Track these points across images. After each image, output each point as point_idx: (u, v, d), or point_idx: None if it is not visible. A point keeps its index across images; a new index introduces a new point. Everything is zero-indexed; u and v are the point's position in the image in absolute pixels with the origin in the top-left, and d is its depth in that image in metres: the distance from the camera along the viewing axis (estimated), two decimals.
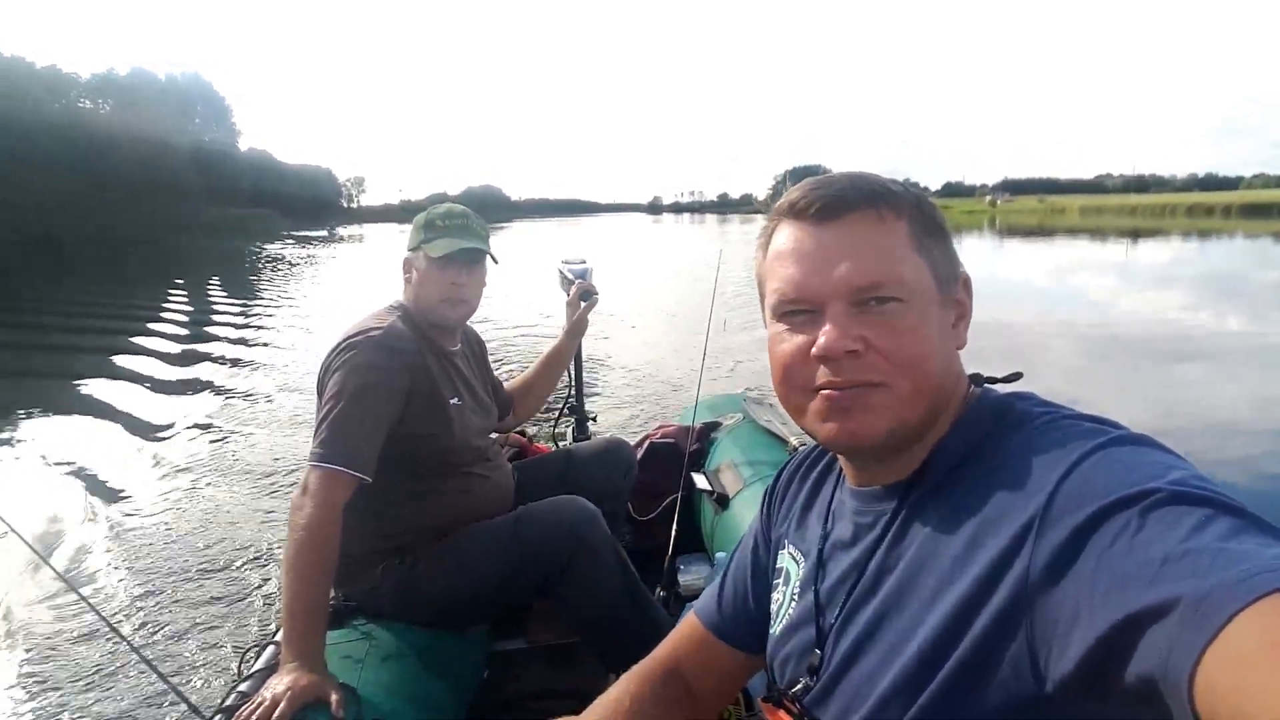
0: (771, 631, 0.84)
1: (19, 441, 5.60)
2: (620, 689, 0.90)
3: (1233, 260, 23.22)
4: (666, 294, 13.68)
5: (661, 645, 0.96)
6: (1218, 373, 7.51)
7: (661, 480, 2.46)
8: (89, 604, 1.59)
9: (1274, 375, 7.40)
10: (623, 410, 5.79)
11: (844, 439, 0.68)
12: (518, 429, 2.45)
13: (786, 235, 0.71)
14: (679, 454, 2.43)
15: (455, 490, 1.73)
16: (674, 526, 2.07)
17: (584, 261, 2.46)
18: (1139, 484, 0.51)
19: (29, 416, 6.32)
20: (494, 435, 2.05)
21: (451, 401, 1.72)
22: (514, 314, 10.46)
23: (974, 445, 0.66)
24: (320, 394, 1.59)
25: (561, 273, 2.45)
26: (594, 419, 2.90)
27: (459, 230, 1.74)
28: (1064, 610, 0.50)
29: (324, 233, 64.12)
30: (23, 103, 40.62)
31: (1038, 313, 11.22)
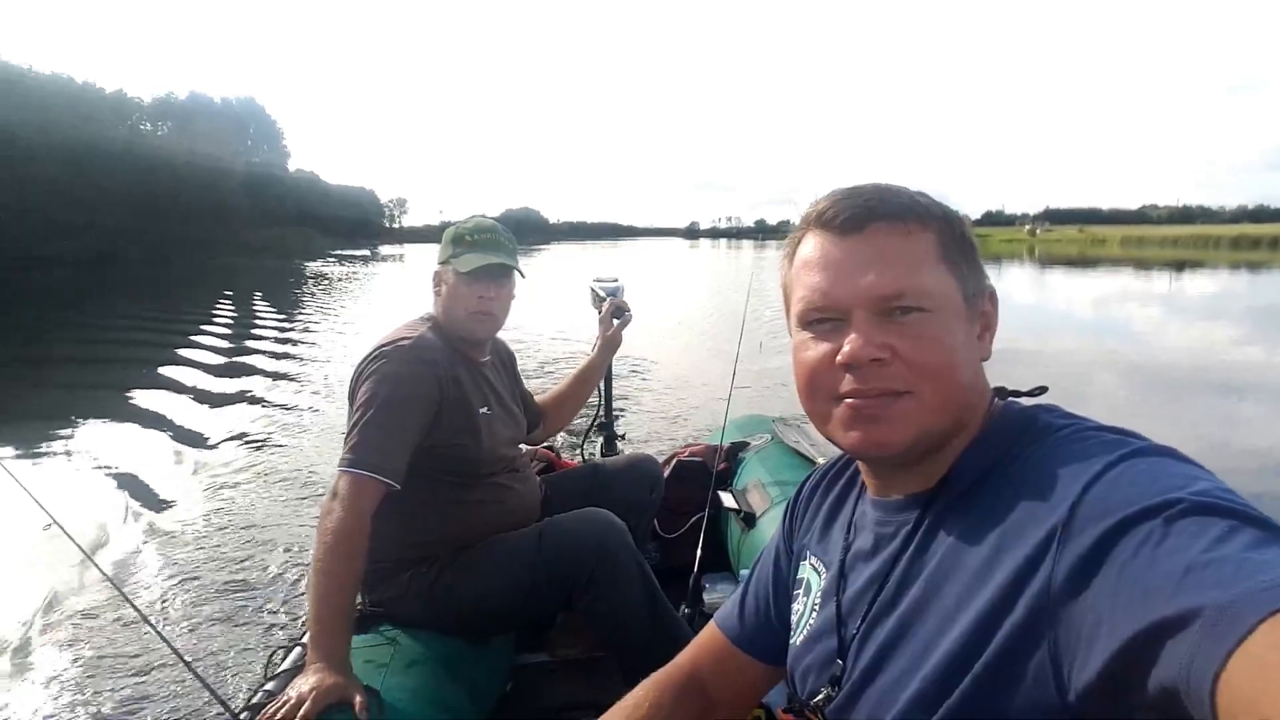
0: (792, 642, 0.83)
1: (73, 448, 5.81)
2: (640, 695, 0.90)
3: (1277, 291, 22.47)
4: (700, 315, 13.72)
5: (682, 654, 0.96)
6: (1260, 405, 7.26)
7: (688, 499, 2.45)
8: (128, 599, 1.62)
9: None
10: (651, 428, 5.81)
11: (869, 447, 0.68)
12: (546, 444, 2.47)
13: (813, 245, 0.72)
14: (706, 473, 2.43)
15: (483, 500, 1.74)
16: (700, 544, 2.07)
17: (616, 280, 2.48)
18: (1162, 494, 0.51)
19: (83, 424, 6.57)
20: (523, 447, 2.07)
21: (481, 411, 1.74)
22: (546, 330, 10.63)
23: (997, 457, 0.66)
24: (351, 401, 1.63)
25: (594, 290, 2.48)
26: (623, 437, 2.91)
27: (487, 245, 1.76)
28: (1086, 620, 0.50)
29: (366, 252, 65.39)
30: (92, 126, 42.53)
31: (1079, 342, 10.95)
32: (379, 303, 19.31)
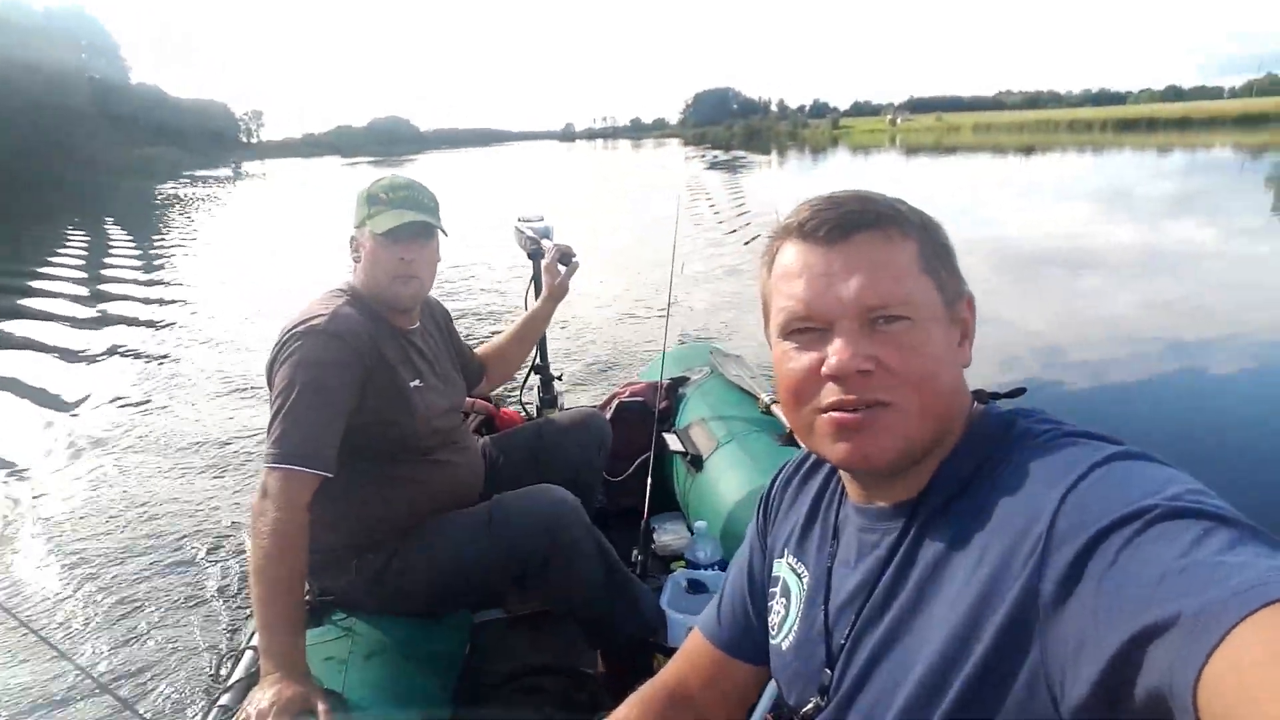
0: (773, 643, 0.84)
1: None
2: (623, 713, 0.90)
3: (1097, 170, 25.35)
4: (613, 234, 12.72)
5: (667, 667, 0.96)
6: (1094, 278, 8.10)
7: (632, 440, 2.41)
8: (24, 623, 1.41)
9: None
10: (587, 365, 5.58)
11: (855, 460, 0.68)
12: (482, 395, 2.36)
13: (793, 254, 0.71)
14: (648, 413, 2.40)
15: (422, 478, 1.67)
16: (648, 487, 2.06)
17: (542, 219, 2.34)
18: (1137, 501, 0.52)
19: None
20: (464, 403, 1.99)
21: (412, 384, 1.65)
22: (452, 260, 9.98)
23: (978, 464, 0.67)
24: (270, 389, 1.51)
25: (520, 230, 2.33)
26: (559, 377, 2.81)
27: (404, 202, 1.62)
28: (1072, 633, 0.51)
29: (228, 171, 59.94)
30: None
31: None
32: (256, 231, 17.77)
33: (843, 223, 0.69)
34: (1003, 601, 0.57)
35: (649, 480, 2.08)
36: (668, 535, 2.23)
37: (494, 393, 2.51)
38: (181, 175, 48.74)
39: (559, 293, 2.14)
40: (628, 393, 2.58)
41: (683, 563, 1.89)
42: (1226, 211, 13.23)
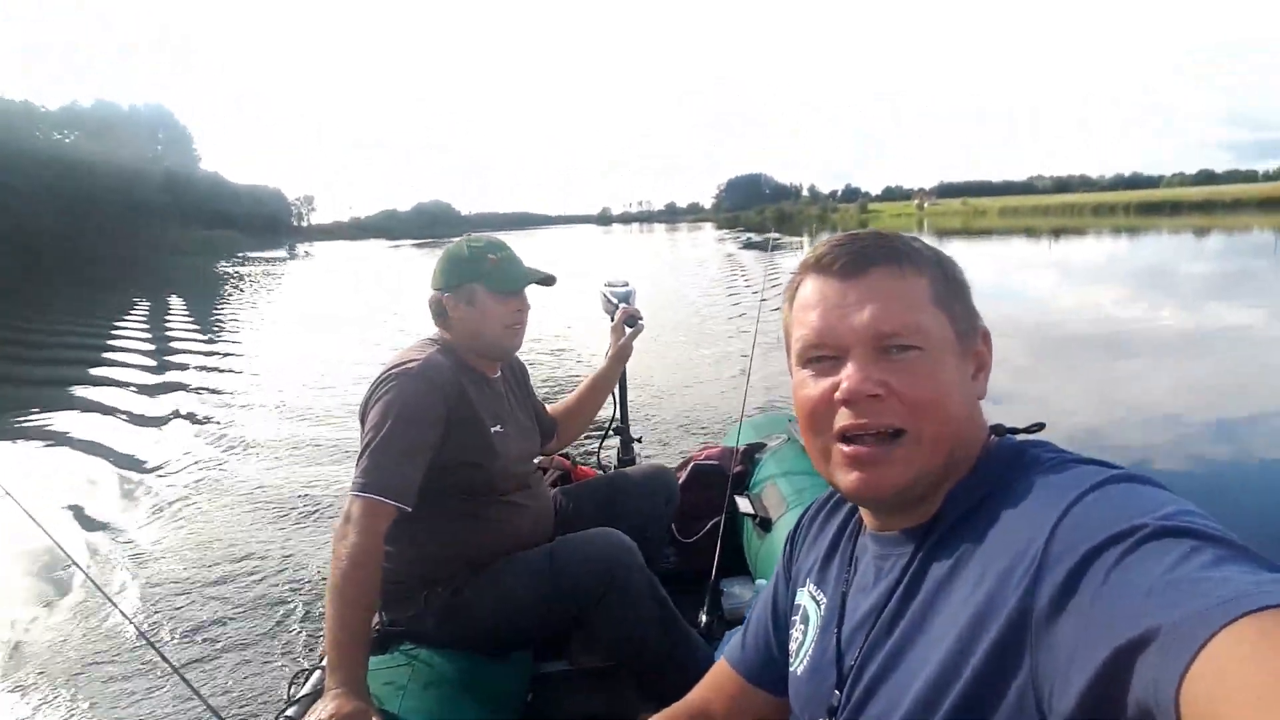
0: (791, 669, 0.85)
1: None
2: None
3: (1112, 252, 26.10)
4: (686, 310, 12.70)
5: (694, 690, 0.98)
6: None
7: (706, 503, 2.43)
8: (147, 638, 1.53)
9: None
10: (666, 429, 5.65)
11: (865, 490, 0.70)
12: (561, 452, 2.44)
13: (812, 288, 0.75)
14: (723, 476, 2.41)
15: (496, 519, 1.75)
16: (717, 549, 2.06)
17: (626, 284, 2.43)
18: (1130, 520, 0.53)
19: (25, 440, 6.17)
20: (537, 459, 2.07)
21: (493, 429, 1.74)
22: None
23: (987, 490, 0.68)
24: (362, 425, 1.63)
25: (605, 296, 2.44)
26: (639, 440, 2.88)
27: (512, 260, 1.78)
28: (1062, 648, 0.52)
29: (283, 253, 62.94)
30: (7, 135, 40.69)
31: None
32: (310, 301, 18.43)
33: (858, 257, 0.72)
34: (998, 618, 0.57)
35: (719, 542, 2.08)
36: (735, 598, 2.19)
37: (575, 454, 2.58)
38: (236, 255, 51.54)
39: (623, 353, 2.23)
40: (703, 456, 2.60)
41: None
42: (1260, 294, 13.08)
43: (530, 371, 2.11)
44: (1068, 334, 9.23)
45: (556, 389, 6.61)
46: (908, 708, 0.63)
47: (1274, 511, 3.87)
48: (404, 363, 1.66)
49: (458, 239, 1.84)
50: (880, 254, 0.72)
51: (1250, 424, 5.39)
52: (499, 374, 1.87)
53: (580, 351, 8.54)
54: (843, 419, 0.69)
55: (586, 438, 3.11)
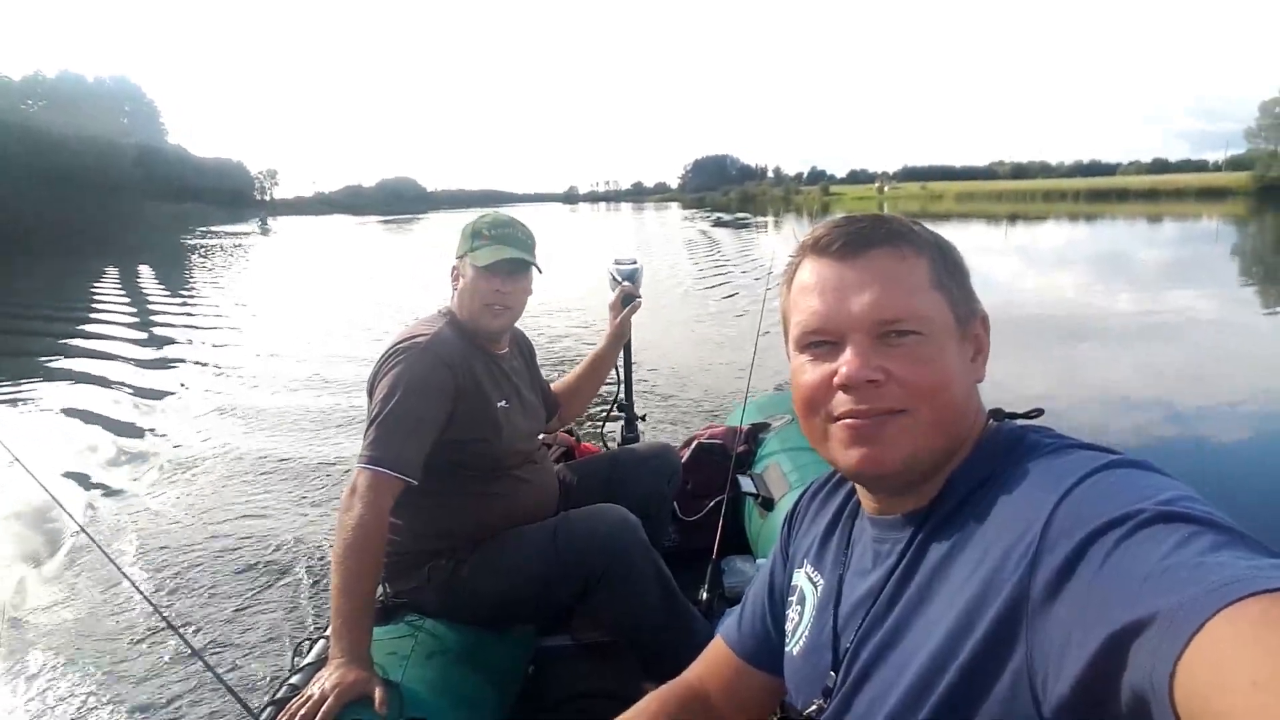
0: (788, 650, 0.85)
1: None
2: (642, 708, 0.93)
3: (1053, 238, 26.82)
4: (676, 286, 12.69)
5: (691, 667, 0.98)
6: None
7: (708, 481, 2.45)
8: (151, 602, 1.60)
9: None
10: (671, 407, 5.62)
11: (865, 467, 0.70)
12: (565, 429, 2.46)
13: (810, 270, 0.74)
14: (726, 455, 2.43)
15: (501, 493, 1.77)
16: (719, 528, 2.07)
17: (634, 262, 2.40)
18: (1128, 505, 0.53)
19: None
20: (541, 436, 2.07)
21: (499, 405, 1.76)
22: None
23: (986, 474, 0.67)
24: (370, 398, 1.65)
25: (611, 274, 2.41)
26: (643, 418, 2.86)
27: (505, 239, 1.76)
28: (1058, 633, 0.52)
29: (253, 226, 61.91)
30: None
31: None
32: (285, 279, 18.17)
33: (857, 239, 0.71)
34: (995, 602, 0.57)
35: (721, 521, 2.09)
36: (736, 577, 2.20)
37: (581, 431, 2.59)
38: (210, 229, 51.05)
39: (620, 331, 2.22)
40: (707, 434, 2.61)
41: None
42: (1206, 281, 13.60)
43: (539, 348, 2.11)
44: (1026, 315, 9.31)
45: (562, 367, 6.54)
46: (903, 690, 0.63)
47: (1272, 498, 3.89)
48: (413, 336, 1.67)
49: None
50: (880, 235, 0.71)
51: (1245, 410, 5.38)
52: (506, 350, 1.88)
53: (590, 330, 8.52)
54: (841, 404, 0.69)
55: (590, 415, 3.12)
